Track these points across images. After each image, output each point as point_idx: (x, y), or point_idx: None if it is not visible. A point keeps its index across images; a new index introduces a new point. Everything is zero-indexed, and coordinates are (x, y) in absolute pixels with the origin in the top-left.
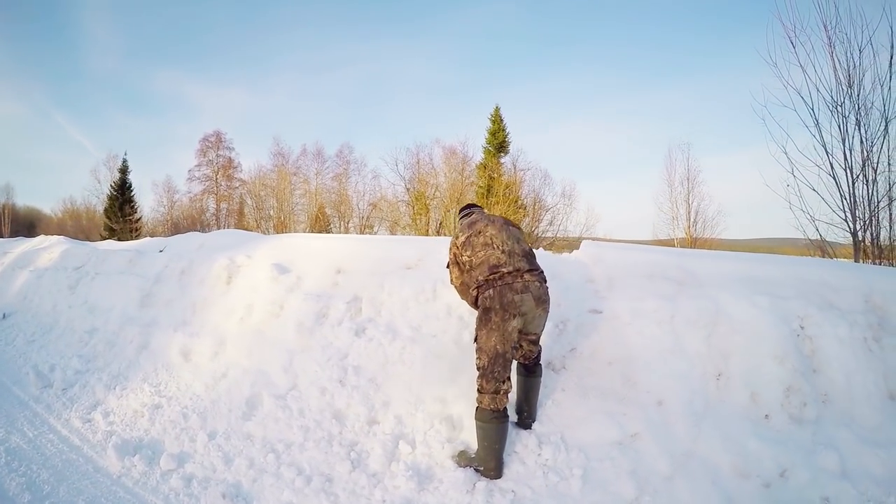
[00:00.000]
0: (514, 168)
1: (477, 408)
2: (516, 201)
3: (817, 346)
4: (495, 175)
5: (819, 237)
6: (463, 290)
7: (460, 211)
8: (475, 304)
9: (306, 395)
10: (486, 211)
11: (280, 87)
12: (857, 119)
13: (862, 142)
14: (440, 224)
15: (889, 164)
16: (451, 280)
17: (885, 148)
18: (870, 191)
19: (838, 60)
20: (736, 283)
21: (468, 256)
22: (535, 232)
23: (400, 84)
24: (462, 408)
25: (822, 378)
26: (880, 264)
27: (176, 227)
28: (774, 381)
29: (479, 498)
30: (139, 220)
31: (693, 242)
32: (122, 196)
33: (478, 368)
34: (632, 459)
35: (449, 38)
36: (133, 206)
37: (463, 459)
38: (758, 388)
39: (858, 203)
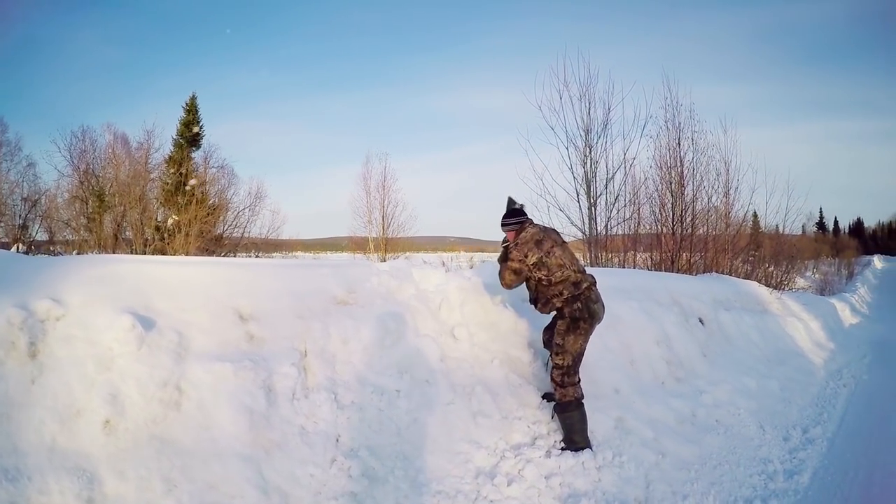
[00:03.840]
0: (206, 164)
1: (563, 402)
2: (207, 201)
3: (665, 330)
4: (187, 171)
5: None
6: (506, 285)
7: (509, 217)
8: (537, 307)
9: None
10: (533, 220)
11: None
12: (593, 163)
13: (596, 180)
14: (119, 225)
15: (618, 197)
16: (504, 278)
17: (623, 185)
18: (599, 214)
19: (588, 115)
20: (610, 292)
21: (543, 275)
22: (224, 234)
23: (67, 55)
24: (514, 440)
25: (674, 351)
26: (606, 263)
27: None
28: (659, 359)
29: None
30: None
31: (386, 242)
32: None
33: (559, 367)
34: (634, 436)
35: (131, 10)
36: None
37: (569, 444)
38: (653, 365)
39: (593, 222)
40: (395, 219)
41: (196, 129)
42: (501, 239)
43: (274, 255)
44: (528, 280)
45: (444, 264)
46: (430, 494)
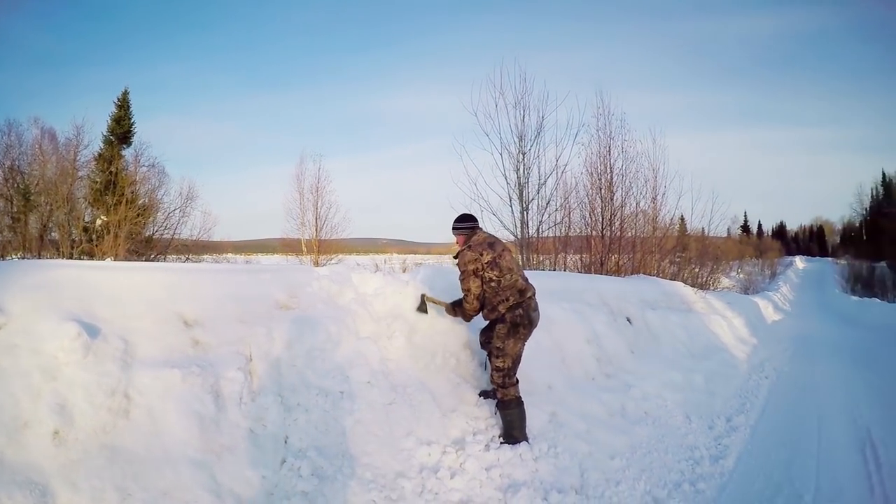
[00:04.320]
0: (137, 163)
1: (505, 400)
2: (137, 201)
3: (595, 329)
4: (117, 169)
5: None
6: (475, 299)
7: (460, 222)
8: (482, 313)
9: None
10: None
11: None
12: (526, 168)
13: (528, 185)
14: (45, 226)
15: (549, 201)
16: (472, 289)
17: (555, 190)
18: (532, 218)
19: (522, 122)
20: (543, 294)
21: (495, 276)
22: (154, 236)
23: None
24: (455, 436)
25: (604, 349)
26: (538, 265)
27: None
28: (589, 356)
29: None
30: None
31: (319, 244)
32: None
33: (500, 370)
34: (567, 428)
35: None
36: None
37: (508, 439)
38: (583, 361)
39: (525, 226)
40: (328, 221)
41: (127, 126)
42: (453, 256)
43: (204, 257)
44: None
45: (377, 267)
46: (377, 490)
